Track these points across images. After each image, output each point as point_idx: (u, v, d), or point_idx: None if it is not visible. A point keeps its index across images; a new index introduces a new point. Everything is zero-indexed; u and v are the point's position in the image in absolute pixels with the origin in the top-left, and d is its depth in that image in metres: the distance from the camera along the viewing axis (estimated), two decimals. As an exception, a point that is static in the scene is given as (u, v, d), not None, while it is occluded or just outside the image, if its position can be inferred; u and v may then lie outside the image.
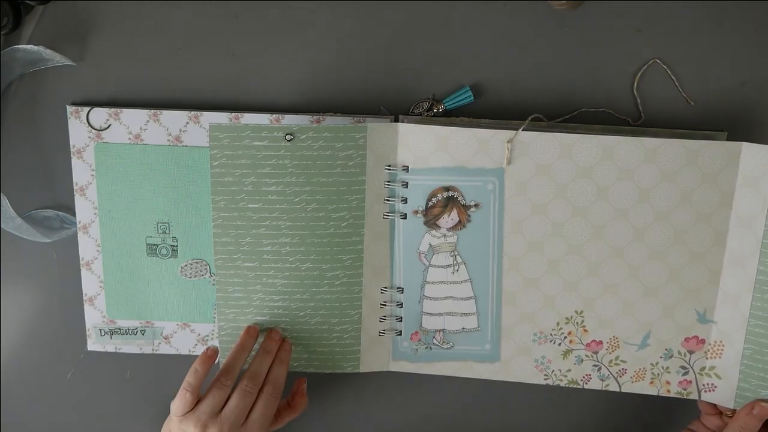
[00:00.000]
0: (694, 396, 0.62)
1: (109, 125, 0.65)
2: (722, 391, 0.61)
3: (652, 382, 0.62)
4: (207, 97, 0.65)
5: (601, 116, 0.63)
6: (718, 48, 0.62)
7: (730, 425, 0.60)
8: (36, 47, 0.63)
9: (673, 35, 0.62)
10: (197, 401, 0.59)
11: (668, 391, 0.62)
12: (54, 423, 0.72)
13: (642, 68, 0.62)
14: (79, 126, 0.65)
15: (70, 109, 0.65)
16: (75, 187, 0.66)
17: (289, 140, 0.60)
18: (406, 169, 0.61)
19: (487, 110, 0.64)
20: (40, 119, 0.66)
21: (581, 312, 0.62)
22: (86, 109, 0.64)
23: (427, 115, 0.64)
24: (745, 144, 0.57)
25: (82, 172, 0.66)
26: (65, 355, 0.70)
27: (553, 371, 0.64)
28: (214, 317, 0.68)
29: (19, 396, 0.71)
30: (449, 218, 0.62)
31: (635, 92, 0.62)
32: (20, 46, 0.63)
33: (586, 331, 0.62)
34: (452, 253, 0.63)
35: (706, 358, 0.61)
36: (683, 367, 0.62)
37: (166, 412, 0.61)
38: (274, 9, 0.63)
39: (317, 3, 0.63)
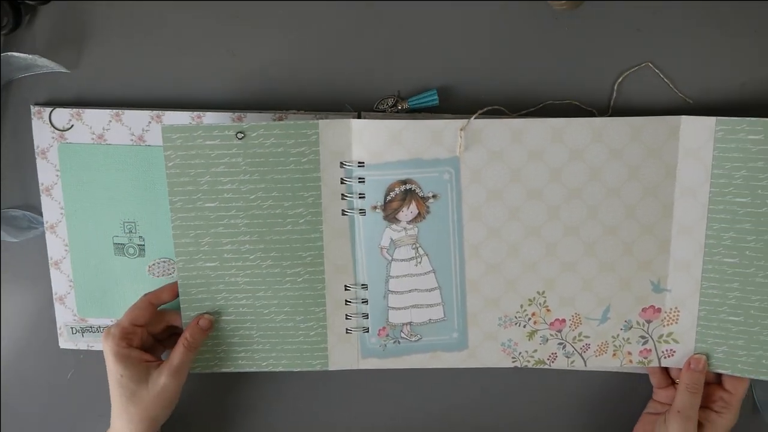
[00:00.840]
0: (654, 363, 0.64)
1: (72, 125, 0.64)
2: (680, 355, 0.63)
3: (614, 354, 0.64)
4: (208, 97, 0.65)
5: (567, 108, 0.63)
6: (717, 48, 0.62)
7: (678, 389, 0.62)
8: (30, 56, 0.62)
9: (672, 35, 0.62)
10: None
11: (630, 361, 0.64)
12: (54, 423, 0.70)
13: (633, 68, 0.63)
14: (42, 126, 0.64)
15: (33, 109, 0.63)
16: (41, 188, 0.65)
17: (240, 138, 0.60)
18: (362, 164, 0.61)
19: (454, 113, 0.63)
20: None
21: (543, 292, 0.63)
22: (48, 109, 0.63)
23: (390, 111, 0.64)
24: (684, 117, 0.60)
25: (47, 172, 0.65)
26: (65, 355, 0.68)
27: (520, 353, 0.64)
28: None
29: (19, 396, 0.69)
30: (408, 211, 0.62)
31: (614, 88, 0.63)
32: (14, 53, 0.62)
33: (548, 310, 0.64)
34: (414, 246, 0.63)
35: (663, 326, 0.64)
36: (642, 337, 0.64)
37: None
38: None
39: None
